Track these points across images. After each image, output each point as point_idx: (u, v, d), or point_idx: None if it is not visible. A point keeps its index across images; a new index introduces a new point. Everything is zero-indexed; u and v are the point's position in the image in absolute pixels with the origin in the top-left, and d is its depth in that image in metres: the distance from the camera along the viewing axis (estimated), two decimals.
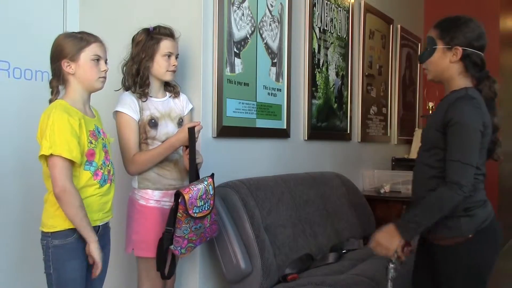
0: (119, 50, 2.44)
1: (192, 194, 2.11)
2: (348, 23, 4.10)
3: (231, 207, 2.57)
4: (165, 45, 2.31)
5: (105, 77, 1.99)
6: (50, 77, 1.99)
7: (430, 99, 4.90)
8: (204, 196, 2.16)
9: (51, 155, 1.79)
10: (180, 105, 2.44)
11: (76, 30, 2.10)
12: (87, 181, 1.89)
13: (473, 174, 1.80)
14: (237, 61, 2.85)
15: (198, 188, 2.14)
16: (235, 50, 2.84)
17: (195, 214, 2.13)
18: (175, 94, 2.43)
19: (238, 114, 2.88)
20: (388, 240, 1.90)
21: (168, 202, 2.29)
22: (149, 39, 2.30)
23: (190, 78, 2.64)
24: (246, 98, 2.94)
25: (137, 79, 2.29)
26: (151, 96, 2.34)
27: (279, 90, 3.23)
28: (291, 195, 2.98)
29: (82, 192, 1.88)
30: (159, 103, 2.35)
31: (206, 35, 2.65)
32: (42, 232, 1.90)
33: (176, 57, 2.36)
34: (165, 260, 2.19)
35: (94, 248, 1.85)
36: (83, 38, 1.93)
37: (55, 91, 1.95)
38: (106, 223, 2.04)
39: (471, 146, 1.81)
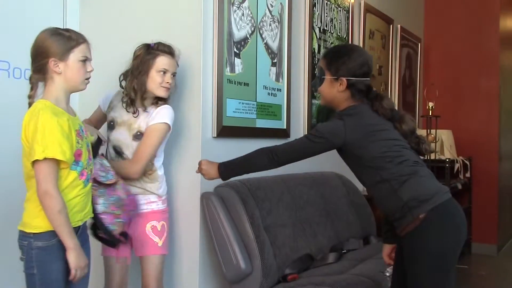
0: (118, 51, 2.45)
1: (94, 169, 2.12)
2: (348, 23, 4.11)
3: (231, 207, 2.58)
4: (161, 61, 2.34)
5: (89, 78, 1.97)
6: (30, 72, 1.93)
7: (430, 99, 4.90)
8: (102, 169, 2.15)
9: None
10: (147, 117, 2.35)
11: (75, 30, 2.09)
12: (73, 181, 1.87)
13: (288, 156, 2.17)
14: (237, 61, 2.85)
15: (94, 162, 2.12)
16: (235, 50, 2.84)
17: (103, 181, 2.11)
18: (157, 106, 2.35)
19: (238, 114, 2.88)
20: (209, 167, 2.25)
21: None
22: (146, 54, 2.34)
23: (190, 78, 2.64)
24: (246, 98, 2.94)
25: (136, 93, 2.32)
26: (147, 111, 2.35)
27: (279, 90, 3.24)
28: (291, 195, 2.98)
29: (68, 192, 1.86)
30: (125, 113, 2.36)
31: (206, 35, 2.65)
32: (23, 232, 1.86)
33: (173, 75, 2.38)
34: (102, 240, 2.17)
35: (72, 256, 1.81)
36: (72, 38, 1.90)
37: (35, 87, 1.91)
38: (85, 221, 2.01)
39: (298, 146, 2.18)
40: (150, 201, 2.39)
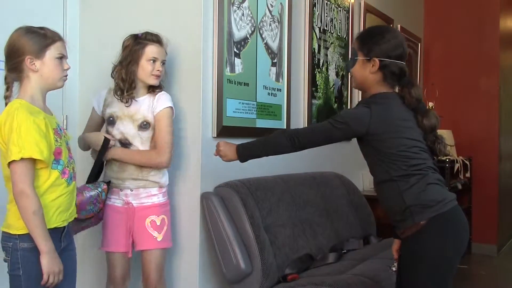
0: (118, 51, 2.45)
1: (83, 200, 2.15)
2: (348, 23, 4.10)
3: (231, 207, 2.58)
4: (150, 50, 2.37)
5: (67, 76, 1.96)
6: (5, 72, 1.91)
7: (430, 99, 4.90)
8: (94, 201, 2.22)
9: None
10: (151, 106, 2.39)
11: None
12: (55, 181, 1.85)
13: (310, 139, 2.08)
14: (237, 61, 2.85)
15: (91, 194, 2.20)
16: (235, 50, 2.84)
17: (82, 216, 2.17)
18: (155, 93, 2.41)
19: (238, 114, 2.88)
20: (228, 151, 2.17)
21: (118, 200, 2.41)
22: (135, 44, 2.37)
23: (190, 78, 2.64)
24: (246, 98, 2.94)
25: (124, 83, 2.35)
26: (136, 100, 2.39)
27: (279, 90, 3.24)
28: (291, 195, 2.98)
29: (52, 192, 1.84)
30: (124, 106, 2.39)
31: (206, 35, 2.65)
32: (7, 233, 1.84)
33: (163, 63, 2.41)
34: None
35: (45, 260, 1.77)
36: (48, 35, 1.88)
37: (11, 87, 1.89)
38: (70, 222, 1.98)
39: (319, 129, 2.11)
40: (151, 194, 2.40)
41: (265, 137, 2.16)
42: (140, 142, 2.38)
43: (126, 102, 2.37)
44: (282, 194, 2.91)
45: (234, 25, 2.82)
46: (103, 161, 2.38)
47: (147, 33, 2.40)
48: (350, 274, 2.70)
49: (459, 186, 5.04)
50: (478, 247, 5.49)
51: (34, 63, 1.85)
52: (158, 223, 2.40)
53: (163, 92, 2.43)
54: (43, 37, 1.87)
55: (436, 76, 5.72)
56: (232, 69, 2.82)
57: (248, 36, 2.93)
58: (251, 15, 2.95)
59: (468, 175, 5.32)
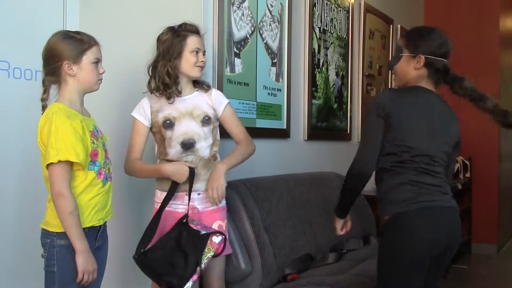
0: (118, 51, 2.45)
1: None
2: (348, 23, 4.10)
3: (231, 207, 2.57)
4: (192, 41, 2.27)
5: (102, 79, 2.00)
6: (43, 75, 1.96)
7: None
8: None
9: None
10: (209, 102, 2.33)
11: (74, 30, 2.09)
12: (91, 181, 1.90)
13: (367, 148, 2.04)
14: (237, 61, 2.85)
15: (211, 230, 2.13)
16: (235, 50, 2.84)
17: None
18: (205, 89, 2.36)
19: (238, 114, 2.86)
20: (334, 223, 2.27)
21: (180, 205, 2.25)
22: (175, 37, 2.27)
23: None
24: (246, 98, 2.94)
25: (168, 78, 2.25)
26: (180, 95, 2.29)
27: (279, 90, 3.24)
28: (291, 195, 2.98)
29: (88, 192, 1.89)
30: (178, 102, 2.29)
31: (206, 35, 2.64)
32: (45, 230, 1.89)
33: (204, 53, 2.32)
34: None
35: (80, 259, 1.82)
36: (84, 41, 1.93)
37: (48, 90, 1.95)
38: (106, 221, 2.04)
39: (366, 126, 2.08)
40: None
41: (343, 191, 2.17)
42: (204, 138, 2.28)
43: (169, 98, 2.26)
44: (282, 194, 2.91)
45: (234, 25, 2.82)
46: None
47: (185, 24, 2.30)
48: (350, 274, 2.70)
49: (459, 186, 5.04)
50: (478, 247, 5.49)
51: (71, 68, 1.90)
52: (224, 228, 2.29)
53: (214, 89, 2.40)
54: (80, 43, 1.91)
55: None
56: (232, 69, 2.82)
57: (248, 36, 2.93)
58: (251, 15, 2.95)
59: (468, 175, 5.32)
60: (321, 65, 3.72)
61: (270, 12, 3.13)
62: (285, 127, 3.29)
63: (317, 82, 3.68)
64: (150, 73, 2.32)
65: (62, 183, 1.80)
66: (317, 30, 3.66)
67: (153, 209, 2.32)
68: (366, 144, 2.05)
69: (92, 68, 1.93)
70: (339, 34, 3.98)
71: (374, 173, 2.13)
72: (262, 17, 3.06)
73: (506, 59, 5.81)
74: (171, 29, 2.30)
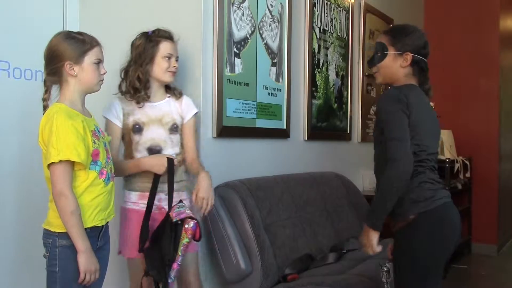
0: (118, 51, 2.44)
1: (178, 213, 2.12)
2: (348, 23, 4.10)
3: (231, 207, 2.58)
4: (164, 47, 2.32)
5: (103, 80, 2.01)
6: (44, 75, 1.96)
7: (430, 99, 4.90)
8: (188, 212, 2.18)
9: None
10: (179, 110, 2.38)
11: (75, 30, 2.10)
12: (93, 181, 1.90)
13: (406, 146, 1.93)
14: (237, 61, 2.85)
15: (187, 212, 2.15)
16: (235, 50, 2.84)
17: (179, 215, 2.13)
18: (176, 96, 2.40)
19: (238, 114, 2.88)
20: (367, 237, 2.03)
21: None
22: (148, 42, 2.32)
23: (190, 78, 2.64)
24: (246, 98, 2.94)
25: (138, 83, 2.30)
26: (150, 100, 2.33)
27: (279, 90, 3.24)
28: (291, 195, 2.98)
29: (90, 191, 1.89)
30: (148, 108, 2.33)
31: (206, 35, 2.65)
32: (47, 230, 1.90)
33: (176, 59, 2.36)
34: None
35: (82, 259, 1.83)
36: (86, 41, 1.93)
37: (49, 90, 1.95)
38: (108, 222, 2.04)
39: (396, 123, 1.96)
40: (183, 198, 2.33)
41: (379, 195, 2.02)
42: (171, 146, 2.33)
43: (138, 102, 2.31)
44: (282, 194, 2.91)
45: (234, 25, 2.82)
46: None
47: (158, 30, 2.34)
48: (350, 274, 2.70)
49: (459, 186, 5.04)
50: (478, 247, 5.49)
51: (73, 68, 1.91)
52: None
53: (185, 96, 2.41)
54: (82, 43, 1.92)
55: (436, 76, 5.69)
56: (232, 69, 2.82)
57: (248, 36, 2.93)
58: (251, 15, 2.95)
59: (468, 175, 5.32)
60: (321, 65, 3.72)
61: (270, 12, 3.13)
62: (285, 127, 3.29)
63: (317, 82, 3.68)
64: (122, 76, 2.36)
65: (63, 183, 1.81)
66: (317, 30, 3.66)
67: (121, 209, 2.33)
68: (403, 142, 1.93)
69: (94, 69, 1.94)
70: (339, 34, 3.98)
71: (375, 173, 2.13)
72: (262, 17, 3.06)
73: (506, 59, 5.81)
74: (144, 35, 2.35)
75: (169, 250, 2.09)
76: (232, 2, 2.80)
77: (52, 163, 1.80)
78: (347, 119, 4.12)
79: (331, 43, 3.87)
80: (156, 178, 2.24)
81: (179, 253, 2.09)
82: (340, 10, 3.98)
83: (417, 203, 1.97)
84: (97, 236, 1.94)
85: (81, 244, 1.82)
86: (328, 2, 3.80)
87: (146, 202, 2.24)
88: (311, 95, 3.59)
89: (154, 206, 2.25)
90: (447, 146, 5.11)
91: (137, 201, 2.31)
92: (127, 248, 2.31)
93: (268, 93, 3.13)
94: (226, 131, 2.76)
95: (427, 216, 1.96)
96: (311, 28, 3.56)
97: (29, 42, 2.65)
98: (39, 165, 1.93)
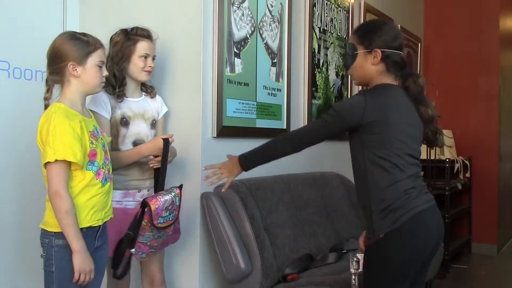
0: None
1: (159, 205, 2.14)
2: (348, 23, 4.11)
3: (231, 207, 2.58)
4: (141, 46, 2.36)
5: (104, 82, 2.03)
6: (46, 74, 1.97)
7: (430, 99, 4.90)
8: (170, 207, 2.19)
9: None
10: (155, 106, 2.49)
11: (76, 30, 2.10)
12: (90, 181, 1.90)
13: (306, 139, 2.14)
14: (237, 61, 2.85)
15: (165, 199, 2.17)
16: (235, 50, 2.84)
17: (159, 225, 2.16)
18: (151, 95, 2.49)
19: (238, 114, 2.88)
20: (228, 165, 2.19)
21: (131, 202, 2.34)
22: (126, 40, 2.35)
23: (190, 78, 2.64)
24: (246, 98, 2.94)
25: (114, 79, 2.33)
26: (127, 97, 2.38)
27: (279, 90, 3.24)
28: (291, 195, 2.98)
29: (87, 192, 1.89)
30: (132, 103, 2.39)
31: (206, 35, 2.65)
32: (44, 230, 1.90)
33: (153, 59, 2.41)
34: (120, 261, 2.19)
35: (77, 259, 1.83)
36: (90, 43, 1.94)
37: (51, 89, 1.96)
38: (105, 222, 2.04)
39: (314, 127, 2.15)
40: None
41: (265, 144, 2.17)
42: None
43: (118, 97, 2.34)
44: (282, 194, 2.91)
45: (234, 25, 2.82)
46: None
47: (137, 28, 2.38)
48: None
49: (459, 186, 5.04)
50: (478, 247, 5.49)
51: (76, 69, 1.91)
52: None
53: (157, 95, 2.53)
54: (86, 44, 1.93)
55: (436, 76, 5.72)
56: (232, 69, 2.82)
57: (248, 36, 2.93)
58: (251, 15, 2.95)
59: (468, 175, 5.33)
60: (321, 65, 3.72)
61: (270, 12, 3.13)
62: (285, 127, 3.29)
63: (317, 82, 3.69)
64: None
65: (59, 182, 1.81)
66: (317, 30, 3.66)
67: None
68: (319, 131, 2.12)
69: (96, 71, 1.95)
70: (339, 34, 3.98)
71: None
72: (262, 17, 3.06)
73: (506, 59, 5.81)
74: (123, 31, 2.38)
75: (132, 226, 2.14)
76: (232, 2, 2.80)
77: (48, 162, 1.80)
78: None
79: (331, 43, 3.87)
80: (156, 173, 2.31)
81: (140, 232, 2.13)
82: (340, 10, 3.99)
83: (385, 220, 1.89)
84: (94, 236, 1.94)
85: (76, 244, 1.82)
86: (328, 2, 3.80)
87: (130, 200, 2.31)
88: (311, 95, 3.59)
89: (135, 202, 2.31)
90: (447, 146, 5.12)
91: (121, 199, 2.32)
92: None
93: (268, 93, 3.13)
94: (226, 131, 2.76)
95: (397, 233, 1.88)
96: (311, 28, 3.56)
97: (29, 42, 2.66)
98: (38, 165, 1.93)
